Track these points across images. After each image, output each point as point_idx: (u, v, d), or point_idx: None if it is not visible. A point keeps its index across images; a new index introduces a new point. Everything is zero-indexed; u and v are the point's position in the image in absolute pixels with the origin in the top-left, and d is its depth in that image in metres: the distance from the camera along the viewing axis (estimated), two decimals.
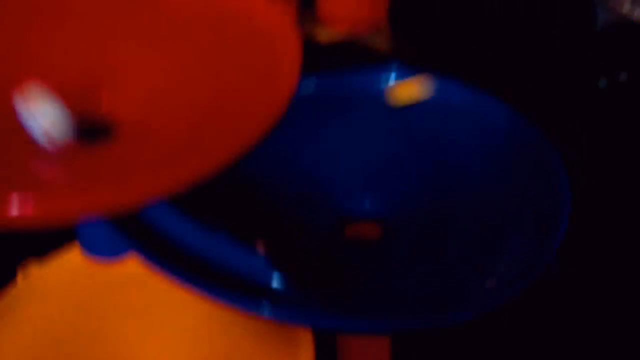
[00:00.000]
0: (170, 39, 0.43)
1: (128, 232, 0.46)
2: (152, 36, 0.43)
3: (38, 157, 0.40)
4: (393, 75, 0.60)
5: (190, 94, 0.41)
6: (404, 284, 0.50)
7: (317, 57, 0.66)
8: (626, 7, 0.78)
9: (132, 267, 0.64)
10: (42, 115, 0.40)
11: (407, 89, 0.54)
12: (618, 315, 0.72)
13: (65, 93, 0.41)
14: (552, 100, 0.76)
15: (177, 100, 0.42)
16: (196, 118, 0.41)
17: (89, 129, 0.45)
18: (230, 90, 0.41)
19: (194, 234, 0.46)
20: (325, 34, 1.14)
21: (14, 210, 0.33)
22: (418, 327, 0.44)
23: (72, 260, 0.64)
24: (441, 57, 0.70)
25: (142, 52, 0.43)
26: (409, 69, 0.60)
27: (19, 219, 0.35)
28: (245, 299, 0.43)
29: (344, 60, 0.70)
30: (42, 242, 0.64)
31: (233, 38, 0.42)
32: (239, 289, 0.44)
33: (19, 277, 0.63)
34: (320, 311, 0.44)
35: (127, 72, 0.43)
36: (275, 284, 0.45)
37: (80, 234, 0.49)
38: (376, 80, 0.59)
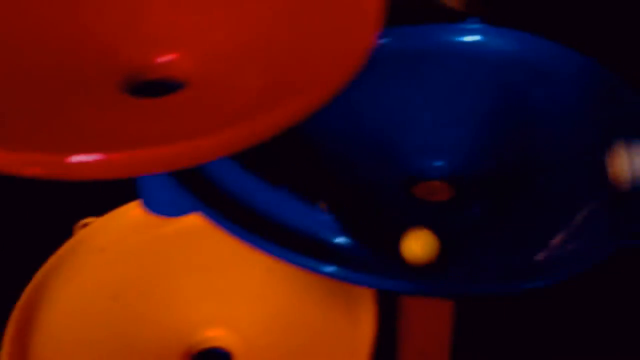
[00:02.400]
0: None
1: (192, 189, 0.44)
2: None
3: (104, 107, 0.39)
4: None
5: (264, 46, 0.39)
6: (474, 246, 0.47)
7: (389, 13, 0.63)
8: None
9: (191, 222, 0.63)
10: None
11: None
12: None
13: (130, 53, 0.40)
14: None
15: (250, 53, 0.40)
16: (270, 71, 0.39)
17: (162, 84, 0.43)
18: (306, 42, 0.39)
19: (257, 191, 0.44)
20: None
21: (78, 157, 0.32)
22: (487, 293, 0.42)
23: (128, 215, 0.63)
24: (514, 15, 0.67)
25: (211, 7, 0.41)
26: (484, 25, 0.57)
27: (83, 167, 0.33)
28: (309, 258, 0.42)
29: (417, 16, 0.67)
30: (101, 201, 0.64)
31: None
32: (302, 248, 0.42)
33: (76, 230, 0.62)
34: (384, 273, 0.42)
35: (197, 27, 0.41)
36: (340, 242, 0.43)
37: (143, 191, 0.47)
38: (450, 36, 0.56)
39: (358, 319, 0.56)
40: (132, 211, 0.63)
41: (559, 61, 0.53)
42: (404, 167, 0.54)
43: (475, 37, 0.56)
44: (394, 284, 0.42)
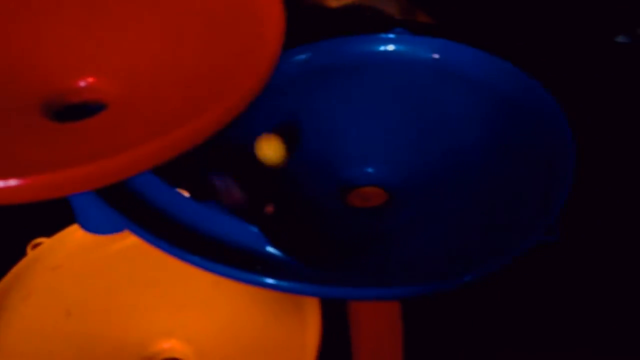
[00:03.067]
0: (148, 10, 0.42)
1: (119, 208, 0.45)
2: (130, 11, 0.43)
3: (24, 132, 0.40)
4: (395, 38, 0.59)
5: (176, 64, 0.41)
6: (408, 247, 0.49)
7: (327, 22, 0.65)
8: None
9: (133, 239, 0.64)
10: None
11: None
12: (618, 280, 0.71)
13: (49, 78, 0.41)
14: (566, 57, 0.74)
15: (163, 72, 0.41)
16: (183, 87, 0.40)
17: (84, 107, 0.44)
18: (215, 57, 0.40)
19: (186, 207, 0.45)
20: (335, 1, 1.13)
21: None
22: (424, 293, 0.43)
23: (80, 233, 0.64)
24: (450, 23, 0.69)
25: (122, 28, 0.42)
26: (413, 35, 0.59)
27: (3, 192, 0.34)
28: (247, 272, 0.43)
29: (353, 25, 0.68)
30: (52, 219, 0.65)
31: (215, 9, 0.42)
32: (239, 262, 0.43)
33: (28, 250, 0.63)
34: (323, 281, 0.43)
35: (109, 49, 0.42)
36: (276, 253, 0.44)
37: (76, 211, 0.48)
38: (370, 46, 0.58)
39: (305, 323, 0.57)
40: (81, 231, 0.64)
41: (477, 66, 0.55)
42: (336, 176, 0.55)
43: (395, 46, 0.58)
44: (331, 291, 0.43)
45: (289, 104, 0.56)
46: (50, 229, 0.64)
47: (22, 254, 0.63)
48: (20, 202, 0.36)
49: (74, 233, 0.64)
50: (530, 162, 0.50)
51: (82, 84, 0.41)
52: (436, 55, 0.58)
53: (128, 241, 0.64)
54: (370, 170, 0.55)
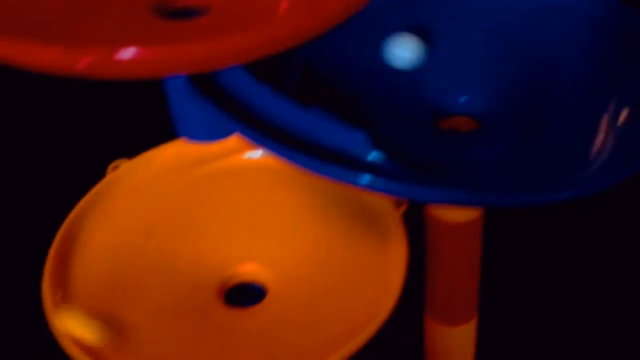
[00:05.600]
0: None
1: (227, 110, 0.45)
2: None
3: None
4: None
5: None
6: (502, 165, 0.48)
7: None
8: None
9: (221, 165, 0.65)
10: None
11: None
12: None
13: None
14: None
15: None
16: None
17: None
18: None
19: (291, 113, 0.45)
20: None
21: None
22: (519, 203, 0.43)
23: (160, 157, 0.64)
24: None
25: None
26: None
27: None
28: (347, 170, 0.42)
29: None
30: (133, 143, 0.65)
31: None
32: (338, 160, 0.43)
33: (108, 171, 0.63)
34: (418, 181, 0.43)
35: None
36: (373, 159, 0.44)
37: (178, 118, 0.48)
38: None
39: (389, 250, 0.57)
40: (164, 153, 0.64)
41: None
42: (430, 104, 0.55)
43: None
44: (428, 192, 0.43)
45: (382, 32, 0.56)
46: (131, 152, 0.64)
47: (102, 175, 0.63)
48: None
49: (154, 157, 0.64)
50: (626, 86, 0.49)
51: None
52: None
53: (207, 167, 0.64)
54: (461, 99, 0.55)
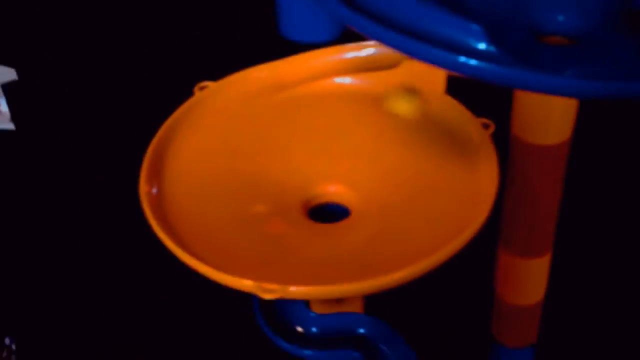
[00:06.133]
0: None
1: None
2: None
3: None
4: None
5: None
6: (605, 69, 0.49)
7: None
8: None
9: (305, 90, 0.65)
10: None
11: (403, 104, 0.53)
12: None
13: None
14: None
15: None
16: None
17: None
18: None
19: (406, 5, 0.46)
20: None
21: None
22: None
23: (247, 80, 0.65)
24: None
25: None
26: None
27: None
28: (454, 54, 0.43)
29: None
30: (220, 64, 0.66)
31: None
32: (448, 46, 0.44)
33: (195, 91, 0.64)
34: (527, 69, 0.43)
35: None
36: (485, 49, 0.44)
37: (282, 15, 0.49)
38: None
39: (478, 169, 0.57)
40: (250, 76, 0.65)
41: None
42: (527, 19, 0.55)
43: None
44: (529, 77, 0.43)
45: None
46: (217, 75, 0.65)
47: (189, 94, 0.64)
48: None
49: (241, 80, 0.65)
50: None
51: None
52: None
53: (292, 92, 0.65)
54: (559, 18, 0.55)
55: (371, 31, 0.46)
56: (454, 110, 0.62)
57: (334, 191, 0.61)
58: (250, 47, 0.54)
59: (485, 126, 0.59)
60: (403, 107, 0.51)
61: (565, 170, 0.60)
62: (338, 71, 0.64)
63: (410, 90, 0.50)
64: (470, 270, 0.73)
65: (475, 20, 0.53)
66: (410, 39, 0.44)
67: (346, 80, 0.65)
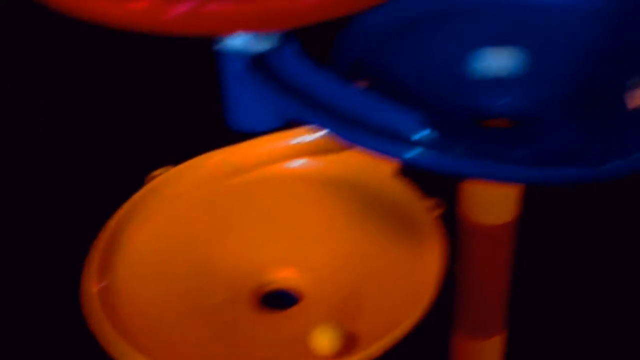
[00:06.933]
0: None
1: (285, 95, 0.47)
2: None
3: None
4: None
5: None
6: (550, 146, 0.50)
7: None
8: None
9: (259, 174, 0.66)
10: None
11: None
12: None
13: None
14: None
15: None
16: None
17: None
18: None
19: (344, 94, 0.47)
20: None
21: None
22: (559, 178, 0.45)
23: (201, 166, 0.66)
24: None
25: None
26: None
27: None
28: (397, 143, 0.44)
29: None
30: (174, 152, 0.67)
31: None
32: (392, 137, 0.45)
33: (149, 179, 0.65)
34: (468, 157, 0.45)
35: None
36: (422, 136, 0.46)
37: (230, 105, 0.50)
38: None
39: (425, 256, 0.58)
40: (204, 163, 0.66)
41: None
42: (469, 104, 0.57)
43: None
44: (476, 167, 0.45)
45: (430, 36, 0.59)
46: (172, 161, 0.66)
47: (142, 182, 0.64)
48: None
49: (197, 165, 0.66)
50: None
51: None
52: None
53: (246, 176, 0.66)
54: (500, 102, 0.57)
55: (311, 120, 0.47)
56: (405, 192, 0.63)
57: (286, 276, 0.61)
58: (198, 137, 0.55)
59: (436, 206, 0.60)
60: (324, 343, 0.53)
61: (513, 250, 0.61)
62: (291, 155, 0.66)
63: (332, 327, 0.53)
64: (426, 352, 0.73)
65: (417, 106, 0.54)
66: (345, 127, 0.45)
67: (299, 163, 0.66)
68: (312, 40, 0.49)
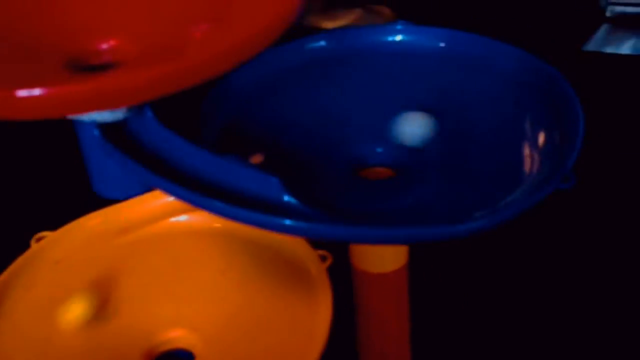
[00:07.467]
0: None
1: (143, 164, 0.45)
2: None
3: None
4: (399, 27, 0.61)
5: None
6: (419, 204, 0.49)
7: None
8: None
9: (143, 234, 0.65)
10: None
11: None
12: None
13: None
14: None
15: None
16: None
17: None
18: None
19: (206, 160, 0.45)
20: (330, 23, 1.15)
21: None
22: (435, 237, 0.44)
23: (82, 229, 0.64)
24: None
25: None
26: (418, 26, 0.61)
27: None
28: (266, 215, 0.43)
29: None
30: (56, 215, 0.65)
31: None
32: (259, 208, 0.43)
33: (32, 243, 0.63)
34: (340, 223, 0.44)
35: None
36: (293, 202, 0.44)
37: (93, 173, 0.49)
38: (388, 37, 0.61)
39: (315, 306, 0.57)
40: (88, 223, 0.64)
41: (481, 50, 0.58)
42: (348, 155, 0.56)
43: (403, 36, 0.61)
44: (346, 231, 0.44)
45: (302, 89, 0.58)
46: (54, 224, 0.64)
47: (26, 247, 0.62)
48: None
49: (77, 228, 0.64)
50: (540, 123, 0.51)
51: None
52: (442, 44, 0.60)
53: (131, 235, 0.64)
54: (379, 150, 0.56)
55: (172, 192, 0.45)
56: (294, 244, 0.62)
57: (177, 336, 0.59)
58: (65, 204, 0.54)
59: (323, 258, 0.59)
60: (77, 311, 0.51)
61: (408, 293, 0.60)
62: (176, 210, 0.64)
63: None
64: None
65: (292, 163, 0.53)
66: (202, 199, 0.44)
67: (182, 218, 0.65)
68: (181, 105, 0.47)
